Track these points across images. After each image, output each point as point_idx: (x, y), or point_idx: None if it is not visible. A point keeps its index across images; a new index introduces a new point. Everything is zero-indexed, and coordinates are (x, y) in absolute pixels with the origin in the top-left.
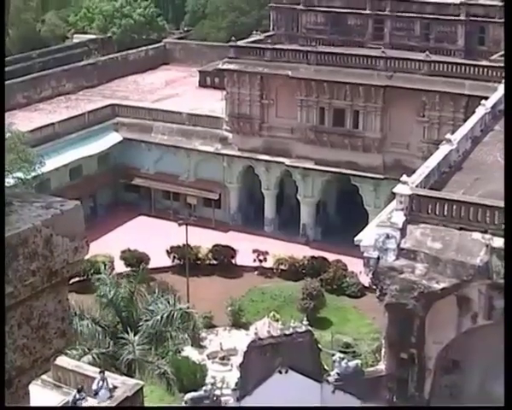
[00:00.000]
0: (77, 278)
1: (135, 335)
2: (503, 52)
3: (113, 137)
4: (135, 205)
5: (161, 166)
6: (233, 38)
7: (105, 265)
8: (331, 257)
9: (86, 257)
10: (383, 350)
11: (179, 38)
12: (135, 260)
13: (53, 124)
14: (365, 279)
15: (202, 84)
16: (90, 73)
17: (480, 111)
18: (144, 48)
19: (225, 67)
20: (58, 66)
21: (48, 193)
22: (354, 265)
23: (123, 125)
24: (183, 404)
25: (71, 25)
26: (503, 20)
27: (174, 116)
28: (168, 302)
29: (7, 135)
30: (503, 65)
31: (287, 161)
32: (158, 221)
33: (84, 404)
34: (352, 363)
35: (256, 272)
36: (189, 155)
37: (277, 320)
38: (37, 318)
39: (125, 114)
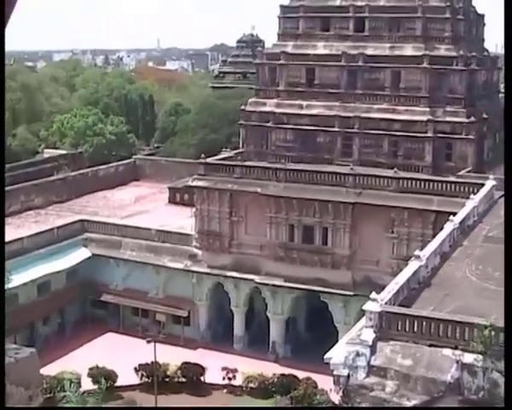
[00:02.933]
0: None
1: None
2: (469, 168)
3: (82, 253)
4: (103, 321)
5: (130, 283)
6: (202, 155)
7: (71, 382)
8: (301, 375)
9: (53, 374)
10: None
11: (149, 155)
12: (102, 377)
13: (21, 238)
14: (336, 397)
15: (172, 201)
16: (60, 188)
17: (449, 227)
18: (114, 164)
19: (195, 183)
20: (28, 180)
21: (15, 308)
22: (324, 382)
23: (92, 240)
24: None
25: (42, 140)
26: (469, 137)
27: (143, 232)
28: None
29: None
30: (470, 181)
31: (256, 278)
32: (126, 338)
33: None
34: None
35: (225, 390)
36: (158, 271)
37: None
38: None
39: (95, 229)
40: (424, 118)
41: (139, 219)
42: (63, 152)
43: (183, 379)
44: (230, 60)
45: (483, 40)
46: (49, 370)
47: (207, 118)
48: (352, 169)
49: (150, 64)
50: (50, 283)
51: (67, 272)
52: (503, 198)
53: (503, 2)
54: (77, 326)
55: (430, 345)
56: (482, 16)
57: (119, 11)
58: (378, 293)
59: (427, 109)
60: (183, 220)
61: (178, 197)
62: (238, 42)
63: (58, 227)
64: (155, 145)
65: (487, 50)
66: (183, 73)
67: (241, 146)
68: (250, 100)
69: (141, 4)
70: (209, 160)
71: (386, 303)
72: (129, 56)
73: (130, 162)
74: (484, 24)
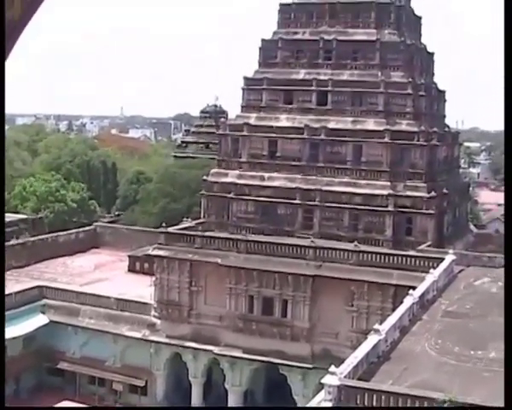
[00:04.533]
0: None
1: None
2: (429, 242)
3: (40, 319)
4: (59, 389)
5: (87, 351)
6: (163, 224)
7: None
8: None
9: None
10: None
11: (110, 222)
12: None
13: None
14: None
15: (131, 269)
16: (19, 253)
17: (408, 301)
18: (75, 230)
19: (155, 252)
20: None
21: None
22: None
23: (50, 307)
24: None
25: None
26: (429, 211)
27: (102, 300)
28: None
29: None
30: (429, 255)
31: (215, 349)
32: (82, 407)
33: None
34: None
35: None
36: (115, 340)
37: None
38: None
39: (53, 296)
40: (385, 192)
41: (98, 286)
42: (23, 217)
43: None
44: (193, 130)
45: (444, 116)
46: None
47: (169, 187)
48: (312, 242)
49: (113, 131)
50: (6, 348)
51: (24, 339)
52: (462, 272)
53: (462, 79)
54: (33, 393)
55: None
56: (443, 93)
57: (84, 77)
58: (337, 366)
59: (388, 183)
60: (142, 289)
61: (138, 266)
62: (201, 112)
63: (16, 293)
64: (116, 213)
65: (448, 126)
66: (145, 141)
67: (202, 216)
68: (212, 170)
69: (105, 71)
70: (170, 229)
71: (345, 377)
72: (92, 123)
73: (90, 229)
74: (445, 100)
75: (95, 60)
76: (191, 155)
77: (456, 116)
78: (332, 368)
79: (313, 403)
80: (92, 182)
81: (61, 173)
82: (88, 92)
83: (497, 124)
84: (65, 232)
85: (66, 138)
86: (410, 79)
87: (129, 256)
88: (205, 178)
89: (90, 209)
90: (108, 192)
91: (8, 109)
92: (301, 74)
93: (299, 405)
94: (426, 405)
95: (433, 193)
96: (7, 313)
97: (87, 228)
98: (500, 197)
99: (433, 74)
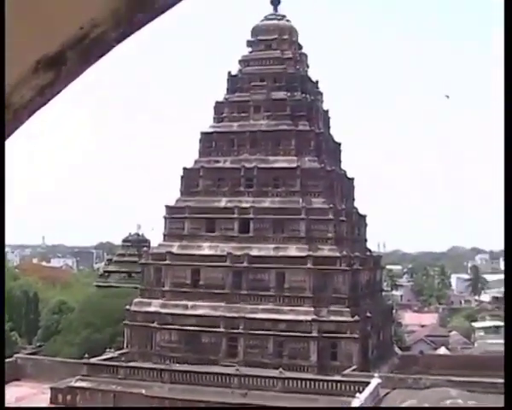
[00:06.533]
0: None
1: None
2: (354, 366)
3: None
4: None
5: None
6: (86, 355)
7: None
8: None
9: None
10: None
11: (31, 354)
12: None
13: None
14: None
15: (54, 402)
16: None
17: None
18: None
19: (78, 384)
20: None
21: None
22: None
23: None
24: None
25: None
26: (353, 335)
27: None
28: None
29: None
30: (355, 379)
31: None
32: None
33: None
34: None
35: None
36: None
37: None
38: None
39: None
40: (309, 318)
41: None
42: None
43: None
44: (116, 259)
45: (365, 240)
46: None
47: (91, 317)
48: (237, 370)
49: (35, 261)
50: None
51: None
52: (388, 395)
53: (383, 203)
54: None
55: None
56: (364, 217)
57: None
58: None
59: (312, 309)
60: None
61: (61, 398)
62: (124, 241)
63: None
64: (38, 344)
65: (370, 250)
66: (67, 270)
67: (125, 346)
68: (135, 300)
69: (25, 200)
70: (92, 360)
71: None
72: (13, 252)
73: (11, 361)
74: (366, 224)
75: (15, 188)
76: (114, 284)
77: (378, 239)
78: None
79: None
80: (13, 312)
81: None
82: (8, 221)
83: (418, 246)
84: None
85: None
86: (331, 205)
87: (51, 388)
88: (128, 307)
89: (11, 341)
90: (30, 322)
91: None
92: (223, 202)
93: None
94: None
95: (356, 317)
96: None
97: (7, 360)
98: (423, 318)
99: (353, 199)
